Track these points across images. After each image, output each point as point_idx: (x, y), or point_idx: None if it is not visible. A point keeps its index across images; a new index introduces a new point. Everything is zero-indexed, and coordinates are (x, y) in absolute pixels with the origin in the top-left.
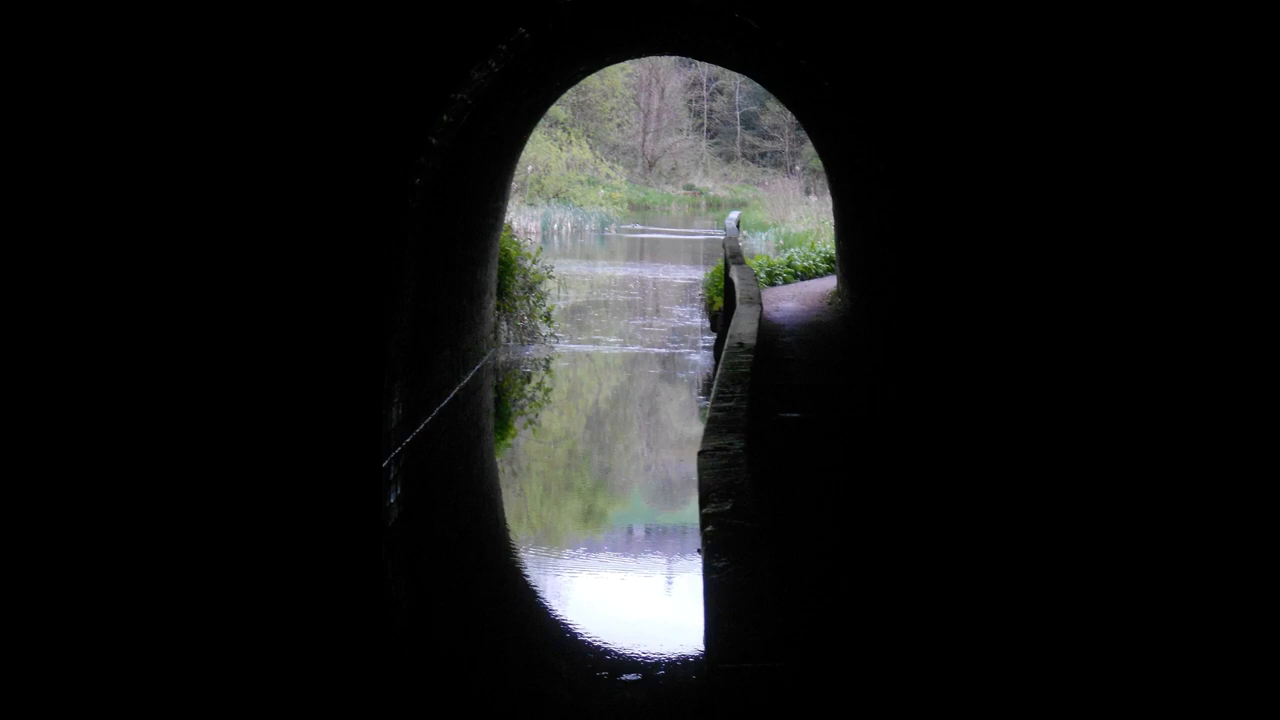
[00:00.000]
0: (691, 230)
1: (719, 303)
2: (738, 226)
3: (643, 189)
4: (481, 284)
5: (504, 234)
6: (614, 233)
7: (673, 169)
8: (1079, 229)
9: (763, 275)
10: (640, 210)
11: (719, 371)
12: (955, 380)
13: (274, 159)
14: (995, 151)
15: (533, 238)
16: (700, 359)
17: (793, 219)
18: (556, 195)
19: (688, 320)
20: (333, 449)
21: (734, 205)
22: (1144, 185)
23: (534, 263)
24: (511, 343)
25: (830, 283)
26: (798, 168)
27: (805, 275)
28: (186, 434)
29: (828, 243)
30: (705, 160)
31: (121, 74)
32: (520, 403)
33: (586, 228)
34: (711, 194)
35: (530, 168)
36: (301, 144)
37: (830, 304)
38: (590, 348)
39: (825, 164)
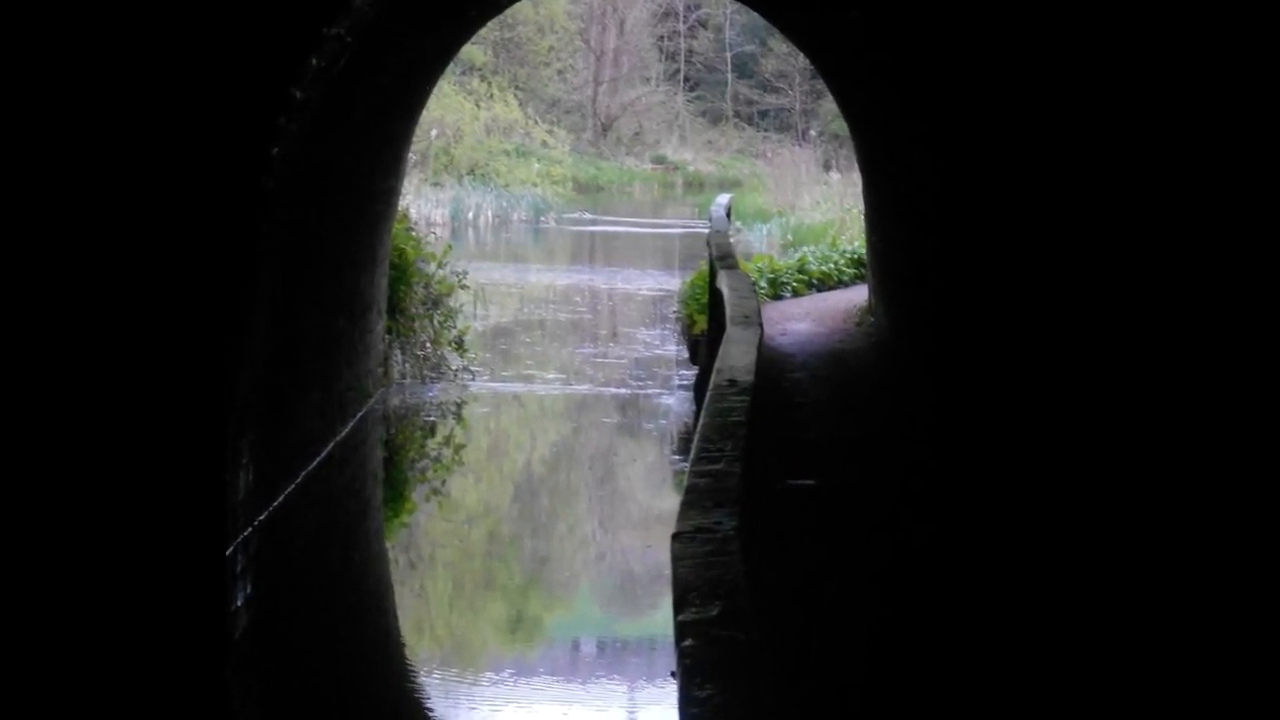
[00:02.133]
0: (663, 221)
1: (701, 323)
2: (728, 216)
3: (594, 162)
4: (366, 298)
5: (398, 226)
6: (553, 223)
7: (636, 134)
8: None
9: (763, 284)
10: (590, 192)
11: (701, 421)
12: (1043, 437)
13: (50, 121)
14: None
15: (438, 231)
16: (675, 403)
17: (806, 205)
18: (472, 171)
19: (657, 348)
20: (155, 532)
21: (723, 186)
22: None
23: (440, 267)
24: (409, 380)
25: (858, 294)
26: (812, 132)
27: (823, 284)
28: None
29: (855, 238)
30: (682, 122)
31: None
32: (421, 465)
33: (515, 216)
34: (691, 169)
35: (435, 132)
36: (95, 101)
37: (859, 324)
38: (520, 387)
39: (851, 127)
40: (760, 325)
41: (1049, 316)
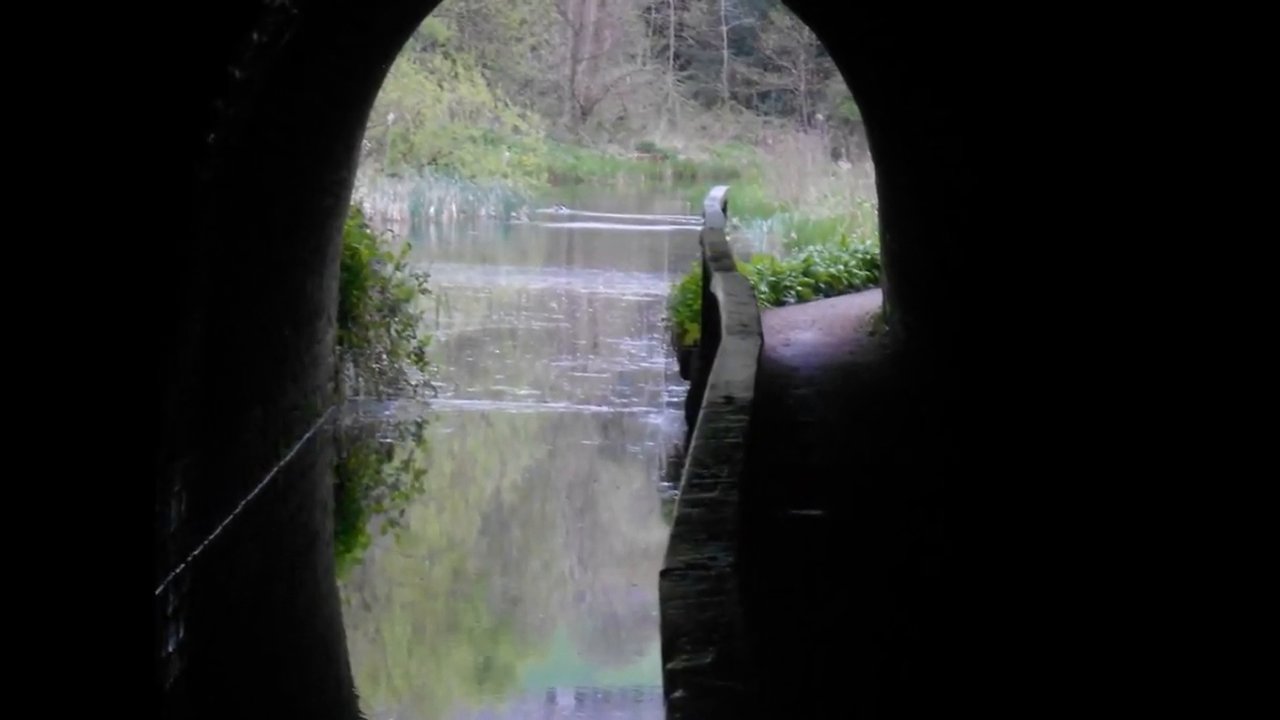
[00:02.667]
0: (650, 217)
1: (693, 333)
2: (724, 211)
3: (573, 150)
4: (314, 303)
5: (350, 223)
6: (526, 219)
7: (620, 119)
8: None
9: (764, 289)
10: (568, 184)
11: (694, 443)
12: (1090, 471)
13: None
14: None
15: (396, 228)
16: (664, 423)
17: (812, 198)
18: (435, 161)
19: (643, 361)
20: (73, 569)
21: (718, 177)
22: None
23: (398, 269)
24: (363, 396)
25: (872, 300)
26: (819, 116)
27: (832, 288)
28: None
29: (868, 235)
30: (672, 105)
31: None
32: (376, 493)
33: (483, 211)
34: (682, 158)
35: (392, 117)
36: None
37: (872, 334)
38: (488, 405)
39: (864, 110)
40: (760, 335)
41: (1100, 332)
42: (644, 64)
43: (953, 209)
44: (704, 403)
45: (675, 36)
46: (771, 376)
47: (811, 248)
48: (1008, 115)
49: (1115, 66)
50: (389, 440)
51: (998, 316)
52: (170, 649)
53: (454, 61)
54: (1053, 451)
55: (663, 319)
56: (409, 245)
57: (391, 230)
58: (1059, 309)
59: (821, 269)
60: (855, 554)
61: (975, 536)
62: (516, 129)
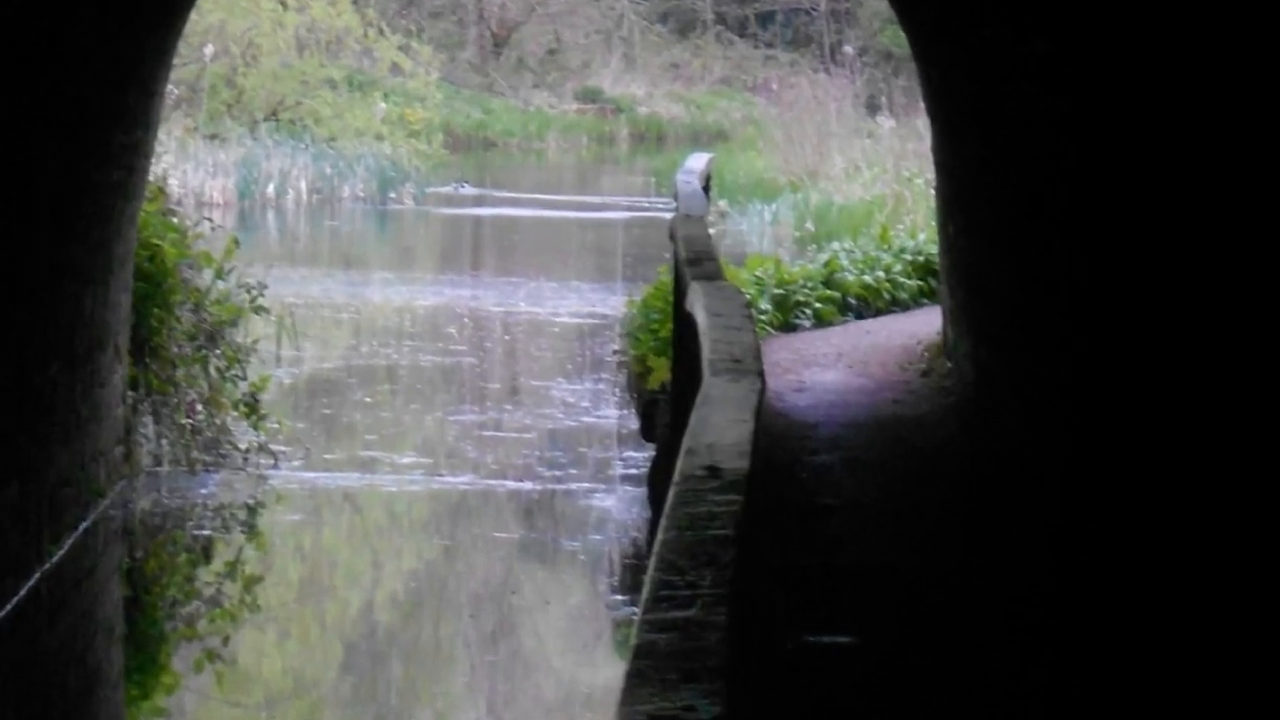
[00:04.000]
0: (597, 199)
1: (660, 372)
2: (707, 192)
3: (480, 100)
4: (96, 329)
5: (149, 208)
6: (410, 202)
7: (551, 54)
8: None
9: (766, 306)
10: (475, 150)
11: (662, 537)
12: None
13: None
14: None
15: (219, 216)
16: (616, 506)
17: (838, 171)
18: (275, 116)
19: (586, 414)
20: None
21: (697, 140)
22: None
23: (221, 277)
24: (169, 467)
25: (926, 322)
26: (848, 49)
27: (867, 305)
28: None
29: (923, 226)
30: (629, 32)
31: None
32: (188, 611)
33: (347, 191)
34: (644, 112)
35: (211, 50)
36: None
37: (926, 373)
38: (354, 480)
39: (913, 40)
40: (760, 375)
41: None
42: None
43: (1059, 189)
44: (676, 476)
45: None
46: (777, 437)
47: (836, 245)
48: (1154, 48)
49: None
50: (207, 532)
51: (1143, 357)
52: None
53: None
54: (1238, 582)
55: (615, 352)
56: (237, 241)
57: (210, 220)
58: (1257, 349)
59: (851, 277)
60: (902, 705)
61: (1094, 702)
62: (397, 68)
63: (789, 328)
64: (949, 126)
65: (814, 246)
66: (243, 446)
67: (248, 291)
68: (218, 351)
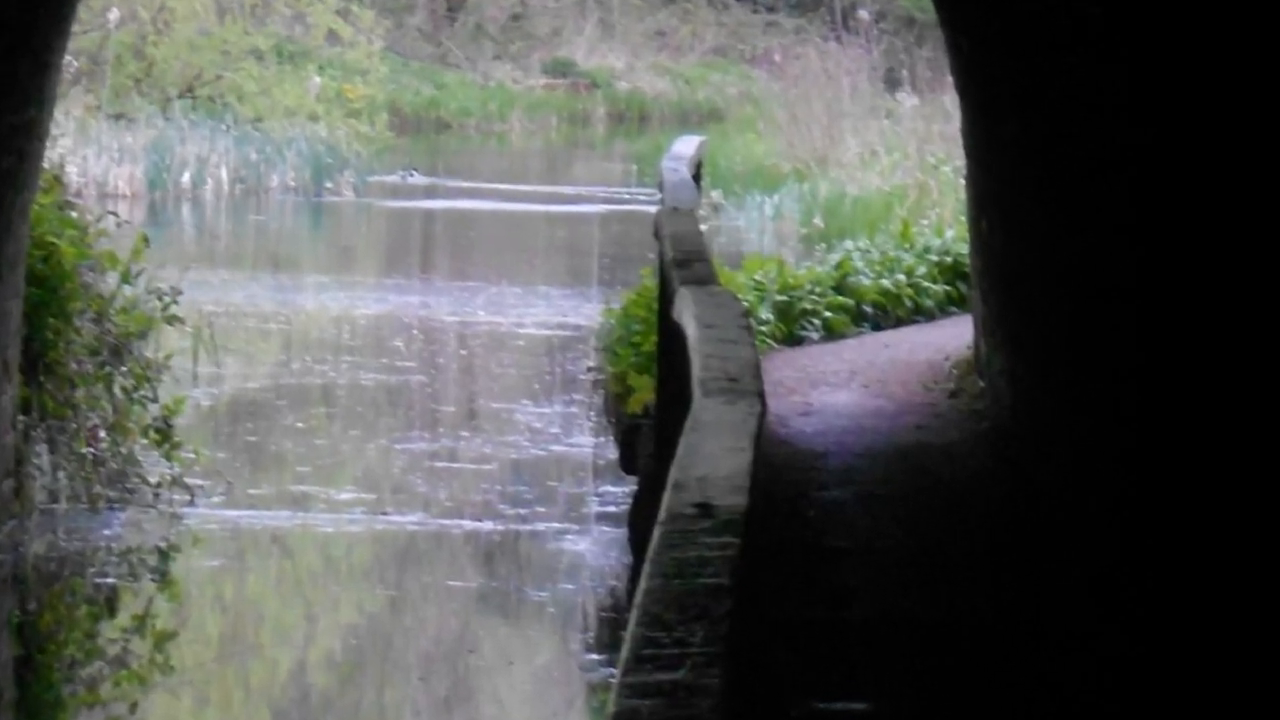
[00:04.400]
0: (569, 190)
1: (643, 393)
2: (698, 182)
3: (433, 74)
4: None
5: (43, 201)
6: (350, 193)
7: (514, 20)
8: None
9: (767, 315)
10: (425, 133)
11: (645, 585)
12: None
13: None
14: None
15: (125, 210)
16: (591, 549)
17: (852, 157)
18: (191, 92)
19: (556, 442)
20: None
21: (686, 122)
22: None
23: (128, 281)
24: (66, 504)
25: (955, 334)
26: (864, 13)
27: (885, 314)
28: None
29: (952, 222)
30: None
31: None
32: (88, 673)
33: (275, 180)
34: (624, 87)
35: (117, 15)
36: None
37: (955, 394)
38: (285, 518)
39: (940, 5)
40: (761, 396)
41: None
42: None
43: (1115, 180)
44: (662, 514)
45: None
46: (780, 469)
47: (850, 244)
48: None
49: None
50: (111, 580)
51: (1221, 380)
52: None
53: None
54: None
55: (589, 369)
56: (146, 239)
57: (116, 214)
58: None
59: (867, 282)
60: None
61: None
62: (335, 36)
63: (794, 341)
64: (982, 105)
65: (823, 246)
66: (153, 480)
67: (159, 298)
68: (124, 369)
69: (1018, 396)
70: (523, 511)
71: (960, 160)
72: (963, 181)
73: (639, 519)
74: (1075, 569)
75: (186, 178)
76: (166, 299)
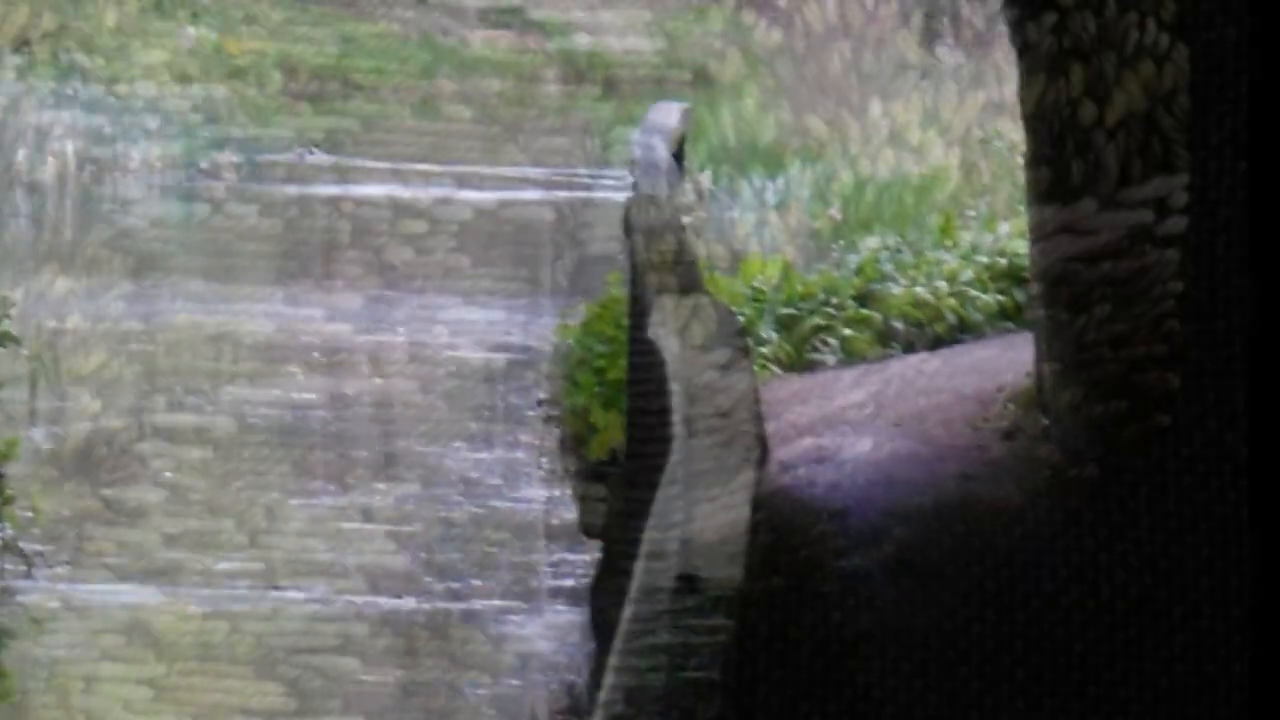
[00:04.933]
0: (512, 172)
1: (610, 432)
2: (679, 161)
3: (341, 22)
4: None
5: None
6: (233, 176)
7: None
8: None
9: (768, 334)
10: (329, 101)
11: (611, 681)
12: None
13: None
14: None
15: None
16: (543, 634)
17: (874, 132)
18: (28, 46)
19: (498, 495)
20: None
21: (664, 87)
22: None
23: None
24: None
25: (1008, 358)
26: None
27: (915, 333)
28: None
29: (1004, 214)
30: None
31: None
32: None
33: (136, 159)
34: (584, 42)
35: None
36: None
37: (1009, 435)
38: (149, 594)
39: None
40: (761, 436)
41: None
42: None
43: (1225, 155)
44: (634, 589)
45: None
46: (786, 530)
47: (874, 242)
48: None
49: None
50: None
51: None
52: None
53: None
54: None
55: (540, 402)
56: None
57: None
58: None
59: (897, 290)
60: None
61: None
62: None
63: (803, 365)
64: (1047, 63)
65: (841, 243)
66: None
67: None
68: None
69: (1094, 438)
70: (455, 585)
71: (1017, 134)
72: (1020, 161)
73: (603, 595)
74: (1178, 667)
75: (20, 157)
76: None
